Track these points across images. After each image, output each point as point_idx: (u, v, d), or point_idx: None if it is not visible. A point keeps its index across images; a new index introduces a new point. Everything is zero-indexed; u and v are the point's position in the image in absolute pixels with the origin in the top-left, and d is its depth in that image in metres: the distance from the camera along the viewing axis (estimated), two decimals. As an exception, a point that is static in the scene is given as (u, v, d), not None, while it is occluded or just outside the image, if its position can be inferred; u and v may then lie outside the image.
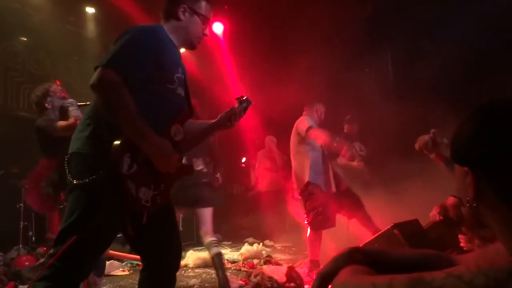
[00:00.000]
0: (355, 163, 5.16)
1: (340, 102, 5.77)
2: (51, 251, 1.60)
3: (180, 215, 6.35)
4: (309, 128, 3.97)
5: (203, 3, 1.94)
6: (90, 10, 6.52)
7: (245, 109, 2.18)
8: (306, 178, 4.01)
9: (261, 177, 7.05)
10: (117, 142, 1.61)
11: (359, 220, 4.04)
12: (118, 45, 1.66)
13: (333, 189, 4.05)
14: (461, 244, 2.53)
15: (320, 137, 3.93)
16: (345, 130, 5.65)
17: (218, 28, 7.54)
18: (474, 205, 0.82)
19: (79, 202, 1.62)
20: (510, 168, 0.74)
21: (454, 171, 0.87)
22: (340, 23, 6.24)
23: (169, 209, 1.90)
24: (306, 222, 4.06)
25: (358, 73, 6.27)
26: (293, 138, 4.24)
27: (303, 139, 4.08)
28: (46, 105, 3.19)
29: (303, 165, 4.08)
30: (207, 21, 1.98)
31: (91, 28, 6.57)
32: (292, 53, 6.60)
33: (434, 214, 2.64)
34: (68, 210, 1.64)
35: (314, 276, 0.93)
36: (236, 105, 2.14)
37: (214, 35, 7.56)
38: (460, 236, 2.59)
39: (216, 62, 7.64)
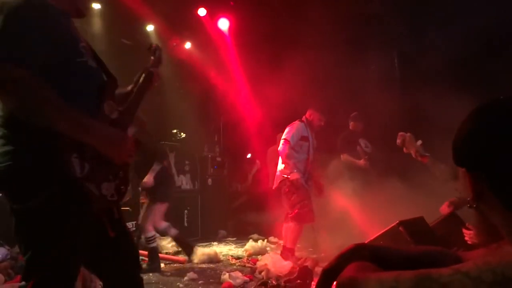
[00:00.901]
0: (361, 162, 5.16)
1: (346, 99, 5.75)
2: (22, 284, 1.39)
3: (185, 211, 6.40)
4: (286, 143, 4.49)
5: None
6: (96, 6, 6.53)
7: (160, 58, 2.00)
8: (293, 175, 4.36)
9: (272, 174, 7.05)
10: (57, 145, 1.36)
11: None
12: (3, 30, 1.31)
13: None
14: (466, 239, 2.54)
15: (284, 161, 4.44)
16: (350, 127, 5.64)
17: (224, 24, 7.53)
18: (474, 205, 0.82)
19: (35, 228, 1.38)
20: (507, 169, 0.74)
21: (441, 172, 0.88)
22: (346, 20, 6.21)
23: (120, 216, 1.68)
24: (291, 216, 4.32)
25: (364, 70, 6.25)
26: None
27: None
28: None
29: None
30: None
31: (97, 24, 6.57)
32: (298, 49, 6.57)
33: (444, 208, 2.67)
34: (24, 239, 1.40)
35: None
36: (152, 58, 1.97)
37: (220, 31, 7.56)
38: (464, 231, 2.59)
39: (222, 58, 7.63)
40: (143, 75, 1.89)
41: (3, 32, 1.31)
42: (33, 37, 1.35)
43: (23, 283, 1.39)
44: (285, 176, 4.40)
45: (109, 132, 1.48)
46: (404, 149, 2.67)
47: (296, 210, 4.15)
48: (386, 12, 6.08)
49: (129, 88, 1.89)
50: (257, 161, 8.17)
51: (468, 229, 2.60)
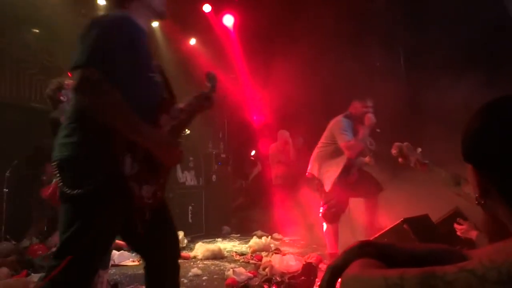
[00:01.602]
0: (366, 159, 5.14)
1: (351, 96, 5.73)
2: (52, 262, 1.56)
3: (189, 207, 6.42)
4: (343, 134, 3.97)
5: None
6: (101, 2, 6.54)
7: (215, 86, 2.14)
8: (315, 172, 4.14)
9: (274, 170, 7.07)
10: (115, 143, 1.55)
11: (368, 206, 4.06)
12: (91, 41, 1.55)
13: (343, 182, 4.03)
14: (458, 234, 2.53)
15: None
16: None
17: (228, 20, 7.52)
18: (482, 202, 0.82)
19: (77, 212, 1.56)
20: (507, 165, 0.75)
21: (442, 180, 0.89)
22: (351, 17, 6.18)
23: (164, 203, 1.89)
24: (320, 215, 4.12)
25: (369, 67, 6.22)
26: (326, 132, 4.25)
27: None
28: (62, 98, 3.21)
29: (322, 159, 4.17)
30: None
31: (102, 20, 6.59)
32: (302, 46, 6.56)
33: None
34: (66, 221, 1.57)
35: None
36: (208, 86, 2.10)
37: (225, 27, 7.55)
38: (456, 226, 2.59)
39: (227, 54, 7.63)
40: (198, 97, 2.07)
41: (94, 42, 1.54)
42: (118, 48, 1.59)
43: (52, 262, 1.54)
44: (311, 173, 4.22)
45: (163, 137, 1.68)
46: (400, 160, 2.44)
47: (323, 211, 4.07)
48: (391, 7, 6.05)
49: (182, 105, 2.04)
50: (259, 163, 8.18)
51: (460, 224, 2.60)
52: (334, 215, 4.01)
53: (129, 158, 1.58)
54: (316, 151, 4.29)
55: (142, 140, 1.58)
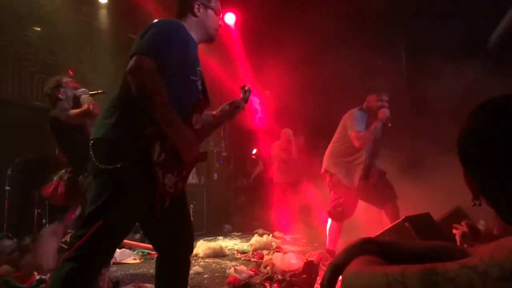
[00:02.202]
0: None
1: (352, 94, 5.72)
2: (78, 232, 1.66)
3: (190, 206, 6.42)
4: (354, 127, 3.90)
5: None
6: (103, 0, 6.54)
7: (247, 98, 2.34)
8: (331, 169, 4.06)
9: (276, 168, 7.08)
10: (149, 130, 1.66)
11: (386, 213, 4.00)
12: (151, 36, 1.72)
13: (355, 183, 3.96)
14: (456, 238, 2.53)
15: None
16: None
17: (230, 18, 7.52)
18: (478, 203, 0.83)
19: (107, 186, 1.67)
20: (492, 172, 0.75)
21: None
22: (353, 15, 6.17)
23: (183, 195, 2.00)
24: (326, 212, 4.10)
25: (372, 65, 6.21)
26: (340, 128, 4.19)
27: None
28: (60, 95, 3.22)
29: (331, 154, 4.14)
30: (219, 13, 2.10)
31: (103, 19, 6.59)
32: (304, 44, 6.54)
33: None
34: (94, 194, 1.69)
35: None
36: (241, 95, 2.31)
37: (226, 25, 7.54)
38: (454, 230, 2.60)
39: (229, 52, 7.62)
40: (230, 105, 2.26)
41: (156, 38, 1.72)
42: (171, 47, 1.75)
43: (77, 232, 1.66)
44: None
45: (189, 135, 1.76)
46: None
47: (329, 208, 4.05)
48: (392, 5, 6.04)
49: (214, 112, 2.29)
50: (260, 162, 8.19)
51: (457, 228, 2.62)
52: (340, 214, 3.98)
53: (158, 146, 1.70)
54: (330, 147, 4.22)
55: (171, 132, 1.69)
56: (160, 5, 6.44)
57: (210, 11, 2.04)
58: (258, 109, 8.15)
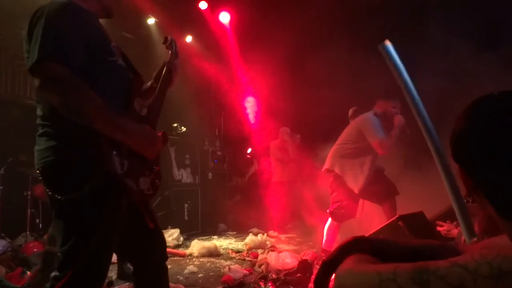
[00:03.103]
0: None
1: (348, 94, 5.74)
2: (57, 274, 1.44)
3: (185, 205, 6.42)
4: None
5: None
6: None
7: (176, 52, 2.00)
8: (336, 169, 4.05)
9: (273, 168, 7.09)
10: (98, 142, 1.42)
11: (383, 210, 4.02)
12: (43, 35, 1.38)
13: (360, 186, 3.93)
14: (442, 234, 2.59)
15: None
16: (350, 121, 5.62)
17: (225, 17, 7.51)
18: (470, 200, 0.83)
19: (75, 219, 1.44)
20: (489, 167, 0.75)
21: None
22: (348, 14, 6.18)
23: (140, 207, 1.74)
24: (328, 211, 4.10)
25: (366, 65, 6.22)
26: (352, 130, 4.15)
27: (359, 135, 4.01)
28: None
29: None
30: None
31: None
32: (298, 43, 6.55)
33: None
34: (64, 231, 1.45)
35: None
36: (169, 52, 1.98)
37: (221, 25, 7.53)
38: (438, 228, 2.65)
39: (223, 52, 7.61)
40: (163, 70, 1.91)
41: (45, 34, 1.38)
42: (72, 38, 1.43)
43: (57, 273, 1.43)
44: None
45: (143, 131, 1.55)
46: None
47: (332, 208, 4.05)
48: (385, 4, 6.06)
49: (149, 84, 1.93)
50: (255, 162, 8.20)
51: (440, 225, 2.67)
52: (342, 215, 4.00)
53: (116, 156, 1.46)
54: (335, 148, 4.19)
55: (122, 137, 1.47)
56: (154, 3, 6.42)
57: None
58: (253, 108, 8.15)
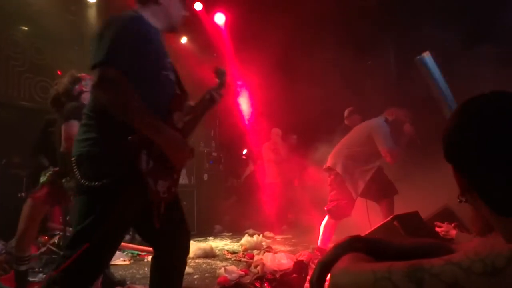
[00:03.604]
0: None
1: (343, 94, 5.76)
2: (64, 252, 1.59)
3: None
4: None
5: None
6: (91, -1, 6.49)
7: (224, 82, 2.20)
8: (338, 169, 4.04)
9: (267, 169, 7.10)
10: (131, 140, 1.59)
11: (381, 209, 4.03)
12: (108, 41, 1.59)
13: (359, 190, 3.96)
14: (441, 235, 2.61)
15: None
16: (345, 122, 5.65)
17: (220, 19, 7.50)
18: (463, 200, 0.84)
19: (94, 205, 1.60)
20: (482, 167, 0.76)
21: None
22: (343, 15, 6.20)
23: (177, 197, 1.95)
24: (325, 209, 4.11)
25: (361, 66, 6.25)
26: (361, 132, 4.14)
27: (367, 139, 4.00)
28: (83, 88, 3.09)
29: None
30: (185, 1, 1.96)
31: (92, 18, 6.53)
32: (294, 44, 6.56)
33: None
34: (81, 213, 1.62)
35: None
36: (217, 80, 2.17)
37: (216, 26, 7.53)
38: (436, 228, 2.68)
39: (218, 53, 7.61)
40: (206, 95, 2.13)
41: (111, 41, 1.58)
42: (132, 49, 1.63)
43: (67, 251, 1.58)
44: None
45: (175, 137, 1.70)
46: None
47: (330, 206, 4.06)
48: (381, 5, 6.09)
49: (192, 103, 2.12)
50: (251, 163, 8.20)
51: (439, 226, 2.70)
52: (339, 213, 4.01)
53: (145, 155, 1.63)
54: (339, 148, 4.17)
55: (157, 138, 1.63)
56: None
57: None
58: (248, 109, 8.15)
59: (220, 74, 2.20)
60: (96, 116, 1.68)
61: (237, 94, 8.09)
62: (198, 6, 7.16)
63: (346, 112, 5.60)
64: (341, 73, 5.96)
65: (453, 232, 2.60)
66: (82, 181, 1.62)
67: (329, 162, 4.17)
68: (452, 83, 4.71)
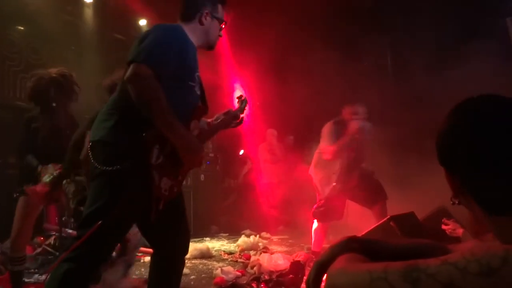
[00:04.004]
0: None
1: (339, 93, 5.76)
2: (77, 233, 1.67)
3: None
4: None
5: (220, 7, 2.11)
6: (88, 0, 6.47)
7: (243, 109, 2.38)
8: (312, 172, 4.14)
9: (263, 169, 7.10)
10: (148, 134, 1.69)
11: (373, 213, 4.03)
12: (149, 42, 1.71)
13: (325, 192, 4.00)
14: (447, 233, 2.61)
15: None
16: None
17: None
18: (456, 202, 0.85)
19: (105, 188, 1.69)
20: (475, 169, 0.78)
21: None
22: (339, 15, 6.22)
23: (180, 197, 2.00)
24: (311, 213, 4.12)
25: (357, 66, 6.26)
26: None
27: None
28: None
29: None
30: (223, 24, 2.14)
31: (88, 18, 6.52)
32: (290, 45, 6.57)
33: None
34: (93, 195, 1.71)
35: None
36: (237, 105, 2.36)
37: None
38: (443, 226, 2.67)
39: (215, 53, 7.60)
40: (226, 114, 2.29)
41: (153, 44, 1.71)
42: (171, 53, 1.76)
43: (79, 232, 1.67)
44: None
45: (191, 139, 1.78)
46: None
47: (313, 208, 4.08)
48: (377, 5, 6.11)
49: (209, 120, 2.28)
50: (249, 161, 8.19)
51: (446, 224, 2.69)
52: (323, 215, 4.00)
53: (157, 149, 1.72)
54: (315, 155, 4.26)
55: (174, 137, 1.71)
56: (146, 5, 6.40)
57: (215, 22, 2.07)
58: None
59: (242, 101, 2.39)
60: (118, 107, 1.78)
61: (233, 94, 8.09)
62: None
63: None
64: (337, 74, 5.97)
65: (460, 231, 2.59)
66: (95, 165, 1.71)
67: (310, 171, 4.27)
68: (447, 82, 4.74)
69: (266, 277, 3.49)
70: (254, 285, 3.37)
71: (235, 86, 7.83)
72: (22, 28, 5.81)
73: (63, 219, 4.00)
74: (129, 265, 3.28)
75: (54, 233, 4.37)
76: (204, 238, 6.23)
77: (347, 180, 3.98)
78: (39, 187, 2.93)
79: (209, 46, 2.12)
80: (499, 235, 0.76)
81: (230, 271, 3.68)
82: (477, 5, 4.81)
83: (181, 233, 2.01)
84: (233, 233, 6.56)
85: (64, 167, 2.91)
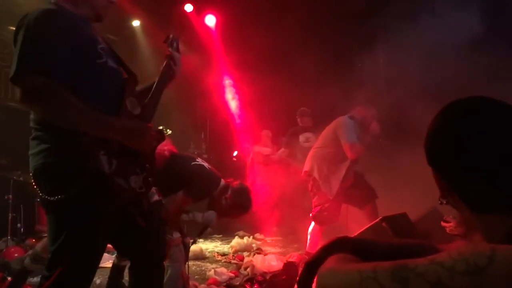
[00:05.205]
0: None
1: (332, 97, 5.78)
2: (45, 273, 1.49)
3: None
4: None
5: None
6: None
7: (177, 48, 2.00)
8: (314, 173, 4.04)
9: (257, 170, 7.09)
10: (84, 142, 1.45)
11: (365, 214, 4.03)
12: (24, 43, 1.43)
13: (333, 191, 3.94)
14: (447, 231, 2.62)
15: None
16: (299, 123, 5.80)
17: (210, 20, 7.50)
18: (444, 202, 0.87)
19: (64, 220, 1.49)
20: (461, 169, 0.80)
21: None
22: (333, 18, 6.24)
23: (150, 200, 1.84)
24: (310, 215, 4.09)
25: (351, 68, 6.29)
26: (329, 131, 4.13)
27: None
28: None
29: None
30: None
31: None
32: (284, 46, 6.58)
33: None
34: (53, 231, 1.51)
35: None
36: (169, 50, 1.95)
37: (207, 27, 7.52)
38: (443, 224, 2.67)
39: (209, 54, 7.60)
40: (165, 68, 1.90)
41: (24, 44, 1.42)
42: (52, 46, 1.45)
43: (45, 273, 1.48)
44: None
45: (130, 125, 1.56)
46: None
47: (314, 212, 4.05)
48: (373, 9, 6.13)
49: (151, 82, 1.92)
50: (242, 164, 8.18)
51: (446, 221, 2.69)
52: (325, 219, 3.98)
53: (104, 155, 1.49)
54: (313, 151, 4.18)
55: (108, 133, 1.49)
56: (139, 6, 6.38)
57: None
58: (238, 110, 8.16)
59: (171, 41, 1.98)
60: (41, 125, 1.52)
61: (227, 96, 8.09)
62: (188, 8, 7.16)
63: (298, 112, 5.70)
64: (331, 75, 5.99)
65: (461, 229, 2.59)
66: (45, 197, 1.47)
67: (306, 166, 4.18)
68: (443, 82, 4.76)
69: (260, 278, 3.49)
70: (247, 286, 3.38)
71: (227, 84, 7.85)
72: (14, 28, 5.77)
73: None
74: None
75: (46, 234, 4.33)
76: (197, 239, 6.21)
77: (349, 178, 3.99)
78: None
79: (97, 16, 1.72)
80: (486, 234, 0.78)
81: (223, 272, 3.68)
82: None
83: (154, 238, 1.83)
84: (227, 235, 6.55)
85: None
